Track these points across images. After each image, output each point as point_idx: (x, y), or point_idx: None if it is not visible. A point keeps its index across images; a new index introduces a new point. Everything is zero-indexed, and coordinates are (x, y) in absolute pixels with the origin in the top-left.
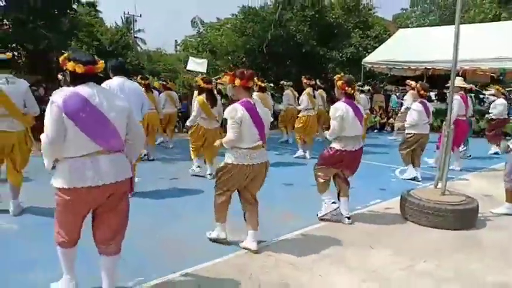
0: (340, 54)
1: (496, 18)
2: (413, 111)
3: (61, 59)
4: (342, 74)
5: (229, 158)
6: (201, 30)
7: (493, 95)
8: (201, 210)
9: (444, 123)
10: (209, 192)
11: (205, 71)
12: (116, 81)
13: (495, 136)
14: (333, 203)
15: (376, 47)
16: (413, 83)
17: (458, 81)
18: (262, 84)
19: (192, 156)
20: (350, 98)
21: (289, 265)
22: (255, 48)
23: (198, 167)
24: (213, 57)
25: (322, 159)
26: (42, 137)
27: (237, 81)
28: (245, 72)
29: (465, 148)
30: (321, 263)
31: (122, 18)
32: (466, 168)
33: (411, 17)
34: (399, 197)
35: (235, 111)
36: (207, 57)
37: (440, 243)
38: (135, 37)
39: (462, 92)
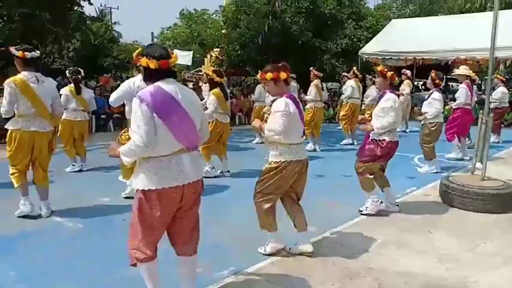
0: (335, 45)
1: (482, 7)
2: (435, 101)
3: (134, 55)
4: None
5: (279, 156)
6: (179, 24)
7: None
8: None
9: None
10: (236, 188)
11: (190, 64)
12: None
13: (498, 125)
14: (381, 202)
15: (370, 38)
16: (408, 72)
17: (464, 70)
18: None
19: (205, 158)
20: (394, 89)
21: (365, 251)
22: (249, 40)
23: (213, 168)
24: (202, 50)
25: (372, 154)
26: (135, 138)
27: (283, 75)
28: (279, 65)
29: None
30: (389, 248)
31: (96, 10)
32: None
33: (392, 7)
34: (432, 184)
35: (288, 105)
36: (196, 50)
37: (490, 226)
38: (112, 30)
39: (468, 81)
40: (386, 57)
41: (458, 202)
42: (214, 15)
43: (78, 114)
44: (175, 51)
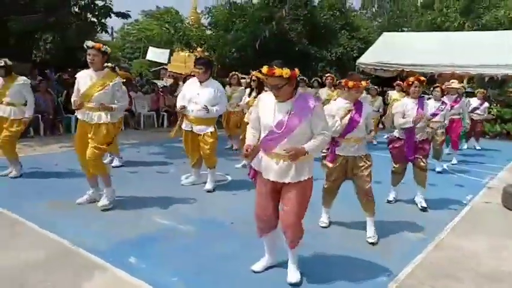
0: (330, 54)
1: (460, 26)
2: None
3: (290, 72)
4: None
5: (367, 150)
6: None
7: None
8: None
9: None
10: None
11: (166, 62)
12: None
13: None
14: None
15: (363, 48)
16: (401, 83)
17: (458, 84)
18: None
19: None
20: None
21: (482, 256)
22: (246, 44)
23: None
24: (188, 50)
25: (399, 152)
26: (328, 134)
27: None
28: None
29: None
30: (502, 253)
31: None
32: (484, 166)
33: (362, 19)
34: (482, 190)
35: None
36: (180, 49)
37: None
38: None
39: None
40: (384, 68)
41: None
42: (194, 16)
43: None
44: (151, 48)
